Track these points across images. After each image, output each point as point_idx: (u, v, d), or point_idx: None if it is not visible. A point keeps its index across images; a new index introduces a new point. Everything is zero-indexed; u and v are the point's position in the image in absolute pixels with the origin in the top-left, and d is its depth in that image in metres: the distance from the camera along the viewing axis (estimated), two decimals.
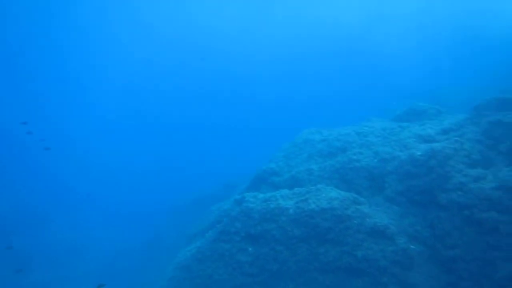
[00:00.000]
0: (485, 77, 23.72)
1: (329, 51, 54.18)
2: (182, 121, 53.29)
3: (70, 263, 19.25)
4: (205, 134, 48.46)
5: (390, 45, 46.76)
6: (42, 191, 30.89)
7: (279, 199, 10.78)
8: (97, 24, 56.60)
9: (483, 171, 8.88)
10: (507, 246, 7.40)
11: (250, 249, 10.02)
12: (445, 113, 13.13)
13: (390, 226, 9.03)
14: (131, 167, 38.33)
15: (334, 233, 9.35)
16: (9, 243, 19.35)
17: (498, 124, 9.94)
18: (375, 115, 20.86)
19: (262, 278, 9.57)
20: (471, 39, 33.16)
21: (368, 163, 11.39)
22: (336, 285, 8.82)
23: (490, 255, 7.55)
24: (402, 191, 9.92)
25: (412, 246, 8.63)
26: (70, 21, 53.24)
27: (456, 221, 8.33)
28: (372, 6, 53.28)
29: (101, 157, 41.15)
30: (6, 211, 25.95)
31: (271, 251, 9.76)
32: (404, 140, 11.59)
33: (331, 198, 10.05)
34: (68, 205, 28.37)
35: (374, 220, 9.21)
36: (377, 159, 11.37)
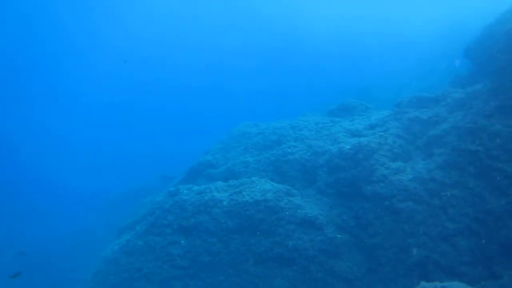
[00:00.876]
0: (407, 76, 25.58)
1: (272, 48, 54.91)
2: (119, 111, 51.01)
3: None
4: (144, 125, 46.86)
5: (329, 45, 48.58)
6: None
7: (213, 191, 10.75)
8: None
9: (403, 164, 9.57)
10: (421, 233, 8.06)
11: (182, 241, 9.88)
12: (373, 109, 13.92)
13: (320, 217, 9.41)
14: (70, 157, 36.15)
15: (267, 224, 9.53)
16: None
17: (416, 121, 10.75)
18: (311, 110, 21.57)
19: (194, 271, 9.51)
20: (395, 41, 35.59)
21: (302, 156, 11.74)
22: (266, 275, 9.03)
23: (406, 242, 8.19)
24: (332, 183, 10.37)
25: (338, 236, 9.09)
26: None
27: (378, 211, 8.90)
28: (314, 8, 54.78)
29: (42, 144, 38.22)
30: None
31: (204, 243, 9.72)
32: (335, 134, 12.11)
33: (265, 190, 10.23)
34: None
35: (305, 211, 9.54)
36: (310, 152, 11.77)
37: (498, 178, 7.71)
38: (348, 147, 10.53)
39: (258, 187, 10.50)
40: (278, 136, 13.64)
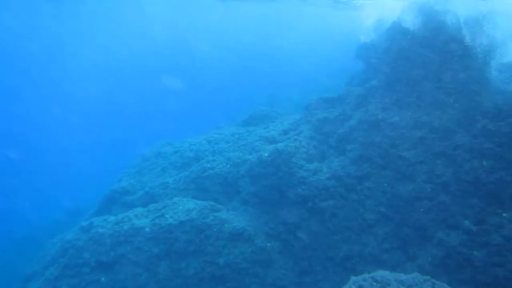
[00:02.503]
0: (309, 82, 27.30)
1: (171, 67, 54.23)
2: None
3: None
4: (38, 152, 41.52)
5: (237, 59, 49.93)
6: None
7: (133, 219, 9.99)
8: None
9: (319, 164, 9.98)
10: (344, 228, 8.44)
11: (102, 279, 8.95)
12: (284, 114, 14.41)
13: (248, 228, 9.30)
14: None
15: (195, 245, 9.13)
16: None
17: (325, 121, 11.35)
18: (224, 122, 21.56)
19: None
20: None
21: (222, 169, 11.58)
22: None
23: (332, 239, 8.50)
24: (255, 193, 10.37)
25: (268, 244, 9.07)
26: None
27: (303, 213, 9.11)
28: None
29: None
30: None
31: (128, 276, 8.93)
32: (252, 143, 12.21)
33: (188, 209, 9.82)
34: None
35: (233, 224, 9.36)
36: (230, 164, 11.66)
37: (403, 165, 8.45)
38: (267, 154, 10.65)
39: (181, 207, 10.05)
40: (196, 152, 13.31)
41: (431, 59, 9.41)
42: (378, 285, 5.55)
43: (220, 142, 13.30)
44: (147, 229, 9.51)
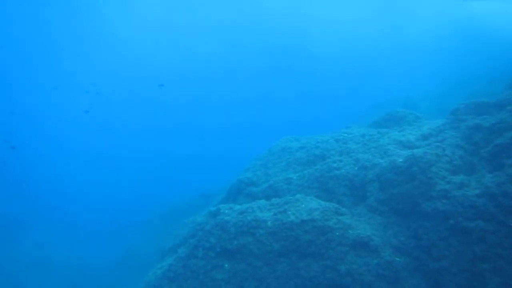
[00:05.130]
0: (453, 84, 24.24)
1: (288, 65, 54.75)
2: (156, 127, 51.36)
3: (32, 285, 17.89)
4: (180, 141, 46.96)
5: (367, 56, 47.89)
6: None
7: (256, 211, 10.19)
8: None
9: (466, 177, 8.60)
10: (496, 257, 7.05)
11: (226, 265, 9.35)
12: (423, 118, 12.94)
13: (374, 238, 8.58)
14: (99, 175, 36.68)
15: (316, 246, 8.82)
16: None
17: (478, 129, 9.73)
18: (353, 122, 20.67)
19: None
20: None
21: (349, 171, 10.98)
22: None
23: (478, 267, 7.19)
24: (385, 200, 9.53)
25: (397, 259, 8.20)
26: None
27: (441, 230, 7.96)
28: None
29: (68, 164, 39.13)
30: None
31: (249, 267, 9.13)
32: (384, 146, 11.26)
33: (311, 208, 9.55)
34: (37, 215, 26.43)
35: (357, 231, 8.75)
36: (358, 167, 10.98)
37: None
38: (401, 160, 9.68)
39: (303, 205, 9.84)
40: (322, 150, 12.93)
41: None
42: None
43: (349, 142, 12.64)
44: (268, 223, 9.57)
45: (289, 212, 9.63)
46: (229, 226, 9.84)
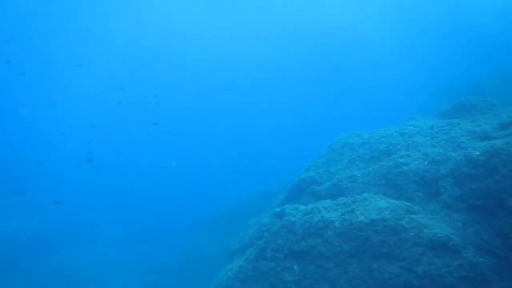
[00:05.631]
0: None
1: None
2: (215, 128, 52.68)
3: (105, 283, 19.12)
4: (238, 140, 47.82)
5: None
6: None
7: (322, 211, 10.02)
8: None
9: None
10: None
11: (295, 267, 9.29)
12: (500, 105, 11.92)
13: (453, 237, 8.05)
14: (159, 177, 38.23)
15: (388, 247, 8.47)
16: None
17: None
18: (412, 111, 19.63)
19: None
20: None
21: (418, 166, 10.42)
22: None
23: None
24: (461, 196, 8.90)
25: (481, 259, 7.63)
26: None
27: None
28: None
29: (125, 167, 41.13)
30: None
31: (319, 268, 9.00)
32: (457, 138, 10.54)
33: (380, 207, 9.20)
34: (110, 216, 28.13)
35: (433, 230, 8.26)
36: (428, 161, 10.39)
37: None
38: (478, 152, 8.99)
39: (372, 204, 9.51)
40: (386, 145, 12.41)
41: None
42: None
43: (415, 135, 12.00)
44: (336, 224, 9.37)
45: (358, 212, 9.35)
46: (296, 227, 9.78)
